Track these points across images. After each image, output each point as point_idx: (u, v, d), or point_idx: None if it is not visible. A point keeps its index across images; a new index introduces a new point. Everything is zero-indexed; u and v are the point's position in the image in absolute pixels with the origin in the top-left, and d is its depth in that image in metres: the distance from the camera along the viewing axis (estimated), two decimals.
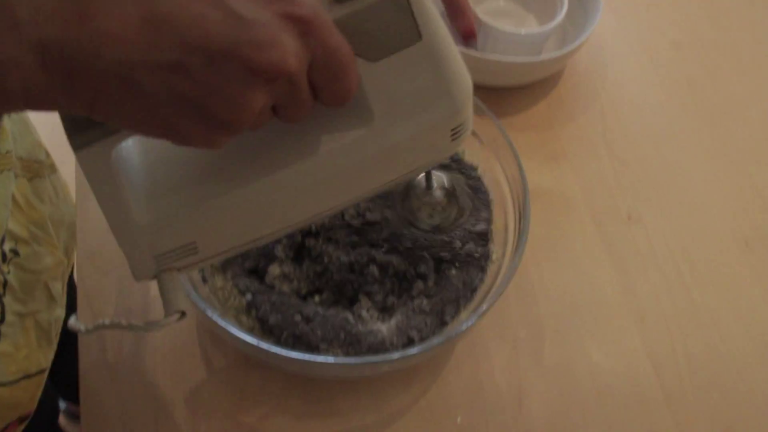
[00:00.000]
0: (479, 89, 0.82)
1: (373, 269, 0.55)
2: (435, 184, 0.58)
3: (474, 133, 0.66)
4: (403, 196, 0.60)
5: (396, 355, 0.51)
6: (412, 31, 0.34)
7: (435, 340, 0.49)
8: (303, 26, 0.28)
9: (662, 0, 1.00)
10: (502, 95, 0.86)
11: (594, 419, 0.66)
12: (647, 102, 0.86)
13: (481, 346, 0.70)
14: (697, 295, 0.75)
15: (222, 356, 0.65)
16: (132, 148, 0.37)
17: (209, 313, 0.51)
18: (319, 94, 0.31)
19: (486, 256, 0.63)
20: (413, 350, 0.48)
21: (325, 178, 0.38)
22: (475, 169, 0.65)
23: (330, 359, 0.54)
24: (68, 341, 0.68)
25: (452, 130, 0.38)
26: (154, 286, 0.48)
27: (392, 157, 0.39)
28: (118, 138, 0.32)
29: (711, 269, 0.76)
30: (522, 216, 0.57)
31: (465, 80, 0.37)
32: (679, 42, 0.93)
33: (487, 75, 0.81)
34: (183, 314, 0.39)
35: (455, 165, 0.67)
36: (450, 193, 0.60)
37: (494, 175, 0.65)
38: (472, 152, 0.67)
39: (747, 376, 0.70)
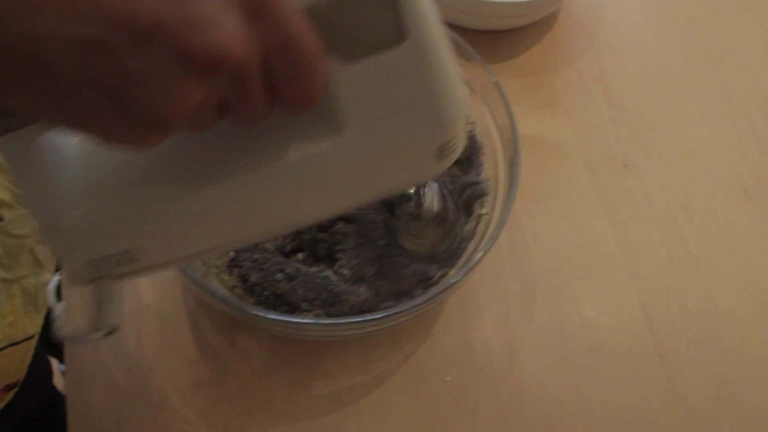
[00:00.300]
0: (471, 33, 0.79)
1: (342, 226, 0.53)
2: (424, 207, 0.55)
3: (464, 80, 0.62)
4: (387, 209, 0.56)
5: (378, 315, 0.49)
6: (396, 30, 0.28)
7: (419, 299, 0.47)
8: (255, 6, 0.23)
9: None
10: (494, 39, 0.82)
11: (586, 375, 0.65)
12: (646, 44, 0.82)
13: (472, 301, 0.68)
14: (694, 246, 0.73)
15: (209, 321, 0.63)
16: (67, 136, 0.32)
17: (188, 273, 0.49)
18: (276, 94, 0.26)
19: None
20: (396, 309, 0.46)
21: (283, 192, 0.33)
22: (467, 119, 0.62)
23: (308, 320, 0.52)
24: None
25: (438, 148, 0.33)
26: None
27: (363, 175, 0.34)
28: (44, 125, 0.28)
29: (709, 219, 0.74)
30: (513, 166, 0.54)
31: (457, 92, 0.31)
32: None
33: (479, 18, 0.77)
34: (112, 331, 0.35)
35: None
36: (441, 219, 0.56)
37: (485, 123, 0.62)
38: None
39: (742, 329, 0.69)
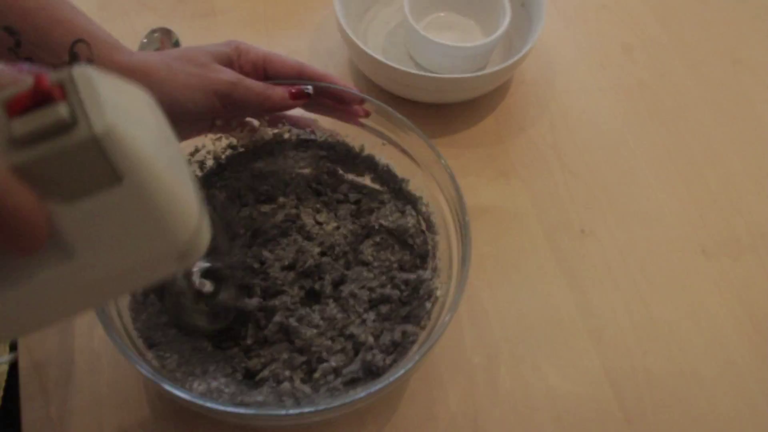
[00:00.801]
0: (425, 106, 0.81)
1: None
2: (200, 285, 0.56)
3: (412, 158, 0.64)
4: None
5: (330, 405, 0.49)
6: (110, 173, 0.30)
7: (366, 390, 0.47)
8: None
9: (611, 2, 0.98)
10: (447, 111, 0.84)
11: None
12: (598, 109, 0.85)
13: (436, 376, 0.68)
14: (655, 309, 0.73)
15: (167, 403, 0.62)
16: None
17: (133, 359, 0.48)
18: None
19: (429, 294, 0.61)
20: (345, 400, 0.46)
21: (24, 307, 0.34)
22: (420, 199, 0.63)
23: (268, 412, 0.52)
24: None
25: (177, 253, 0.35)
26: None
27: (102, 286, 0.35)
28: None
29: (668, 281, 0.75)
30: (463, 241, 0.55)
31: (186, 209, 0.34)
32: (630, 45, 0.92)
33: (432, 93, 0.79)
34: None
35: (402, 201, 0.64)
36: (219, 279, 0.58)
37: (436, 200, 0.63)
38: (414, 182, 0.65)
39: (708, 390, 0.68)
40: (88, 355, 0.65)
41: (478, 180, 0.78)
